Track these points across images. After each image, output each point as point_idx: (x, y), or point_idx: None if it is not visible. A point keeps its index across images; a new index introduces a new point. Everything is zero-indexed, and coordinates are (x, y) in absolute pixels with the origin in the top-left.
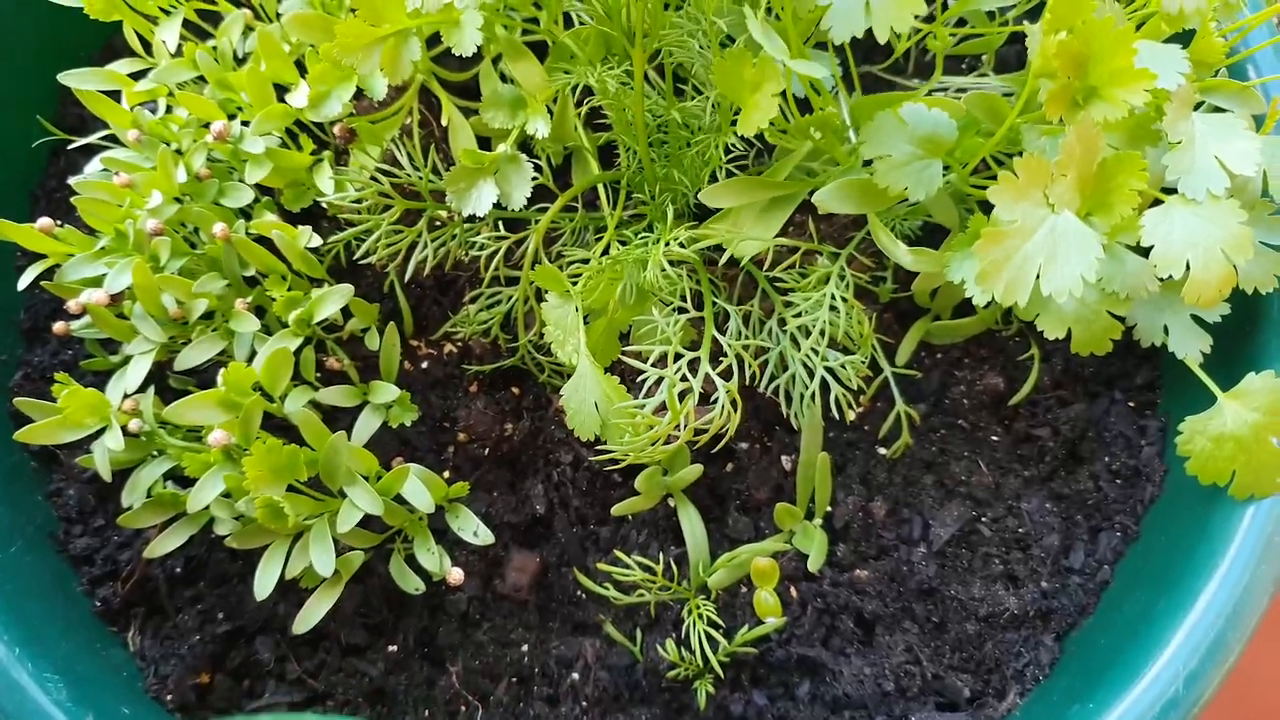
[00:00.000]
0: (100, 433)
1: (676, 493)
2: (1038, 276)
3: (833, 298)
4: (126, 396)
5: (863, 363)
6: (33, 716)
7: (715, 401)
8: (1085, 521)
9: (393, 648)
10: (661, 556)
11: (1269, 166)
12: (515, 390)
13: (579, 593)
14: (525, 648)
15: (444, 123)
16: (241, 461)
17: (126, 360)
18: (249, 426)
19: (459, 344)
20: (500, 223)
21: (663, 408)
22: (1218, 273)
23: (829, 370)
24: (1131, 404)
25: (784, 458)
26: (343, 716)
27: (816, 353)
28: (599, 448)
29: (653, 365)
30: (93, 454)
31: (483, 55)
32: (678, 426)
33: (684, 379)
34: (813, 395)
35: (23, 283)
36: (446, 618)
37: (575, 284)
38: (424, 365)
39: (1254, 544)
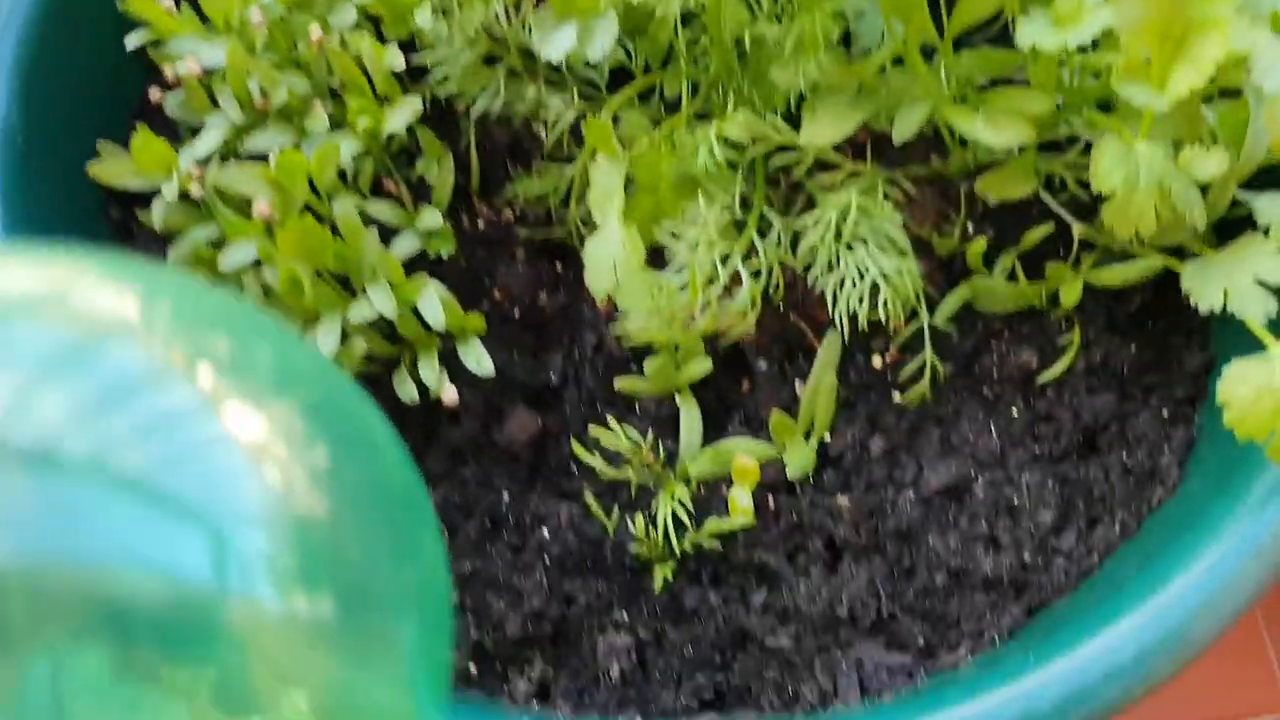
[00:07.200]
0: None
1: (683, 388)
2: None
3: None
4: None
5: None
6: None
7: (736, 297)
8: (1085, 510)
9: None
10: (655, 440)
11: None
12: (559, 266)
13: (570, 464)
14: (505, 495)
15: None
16: (276, 234)
17: None
18: (291, 205)
19: (517, 210)
20: (578, 95)
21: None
22: None
23: (883, 275)
24: (1165, 412)
25: (798, 383)
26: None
27: (863, 245)
28: (617, 322)
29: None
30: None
31: None
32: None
33: (713, 266)
34: (860, 299)
35: (130, 43)
36: (438, 448)
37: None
38: (480, 224)
39: (1247, 542)
